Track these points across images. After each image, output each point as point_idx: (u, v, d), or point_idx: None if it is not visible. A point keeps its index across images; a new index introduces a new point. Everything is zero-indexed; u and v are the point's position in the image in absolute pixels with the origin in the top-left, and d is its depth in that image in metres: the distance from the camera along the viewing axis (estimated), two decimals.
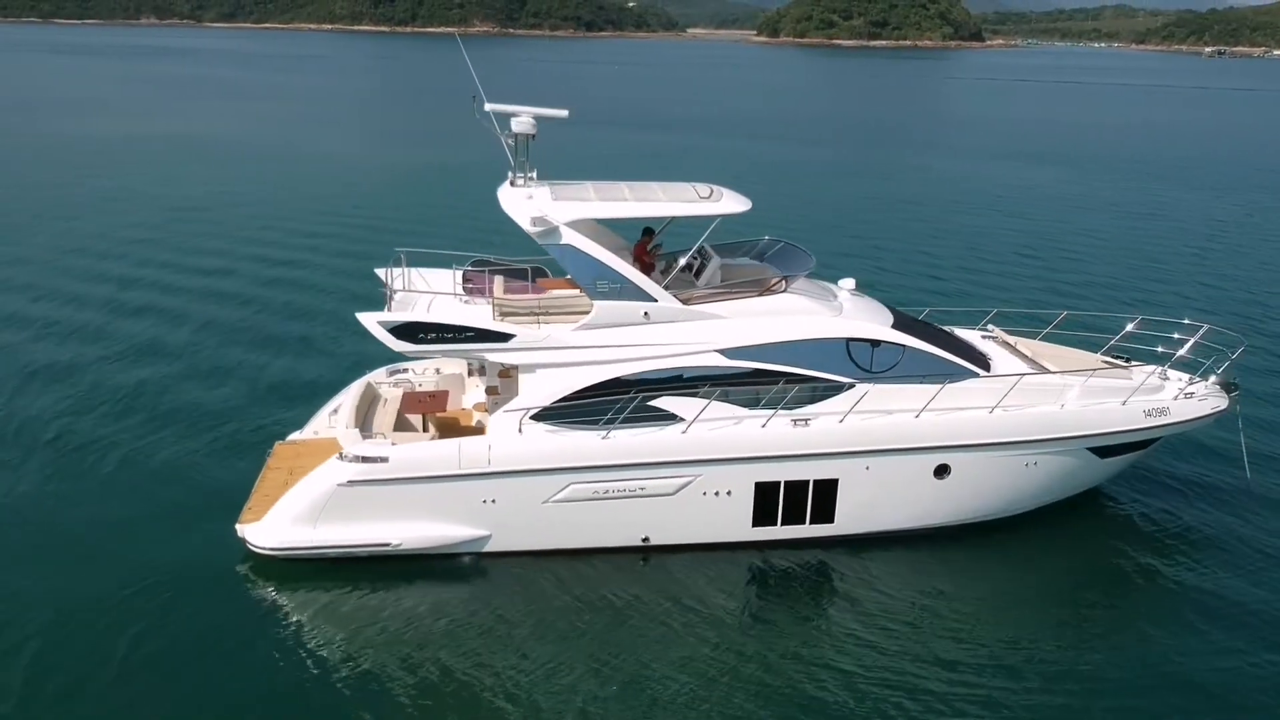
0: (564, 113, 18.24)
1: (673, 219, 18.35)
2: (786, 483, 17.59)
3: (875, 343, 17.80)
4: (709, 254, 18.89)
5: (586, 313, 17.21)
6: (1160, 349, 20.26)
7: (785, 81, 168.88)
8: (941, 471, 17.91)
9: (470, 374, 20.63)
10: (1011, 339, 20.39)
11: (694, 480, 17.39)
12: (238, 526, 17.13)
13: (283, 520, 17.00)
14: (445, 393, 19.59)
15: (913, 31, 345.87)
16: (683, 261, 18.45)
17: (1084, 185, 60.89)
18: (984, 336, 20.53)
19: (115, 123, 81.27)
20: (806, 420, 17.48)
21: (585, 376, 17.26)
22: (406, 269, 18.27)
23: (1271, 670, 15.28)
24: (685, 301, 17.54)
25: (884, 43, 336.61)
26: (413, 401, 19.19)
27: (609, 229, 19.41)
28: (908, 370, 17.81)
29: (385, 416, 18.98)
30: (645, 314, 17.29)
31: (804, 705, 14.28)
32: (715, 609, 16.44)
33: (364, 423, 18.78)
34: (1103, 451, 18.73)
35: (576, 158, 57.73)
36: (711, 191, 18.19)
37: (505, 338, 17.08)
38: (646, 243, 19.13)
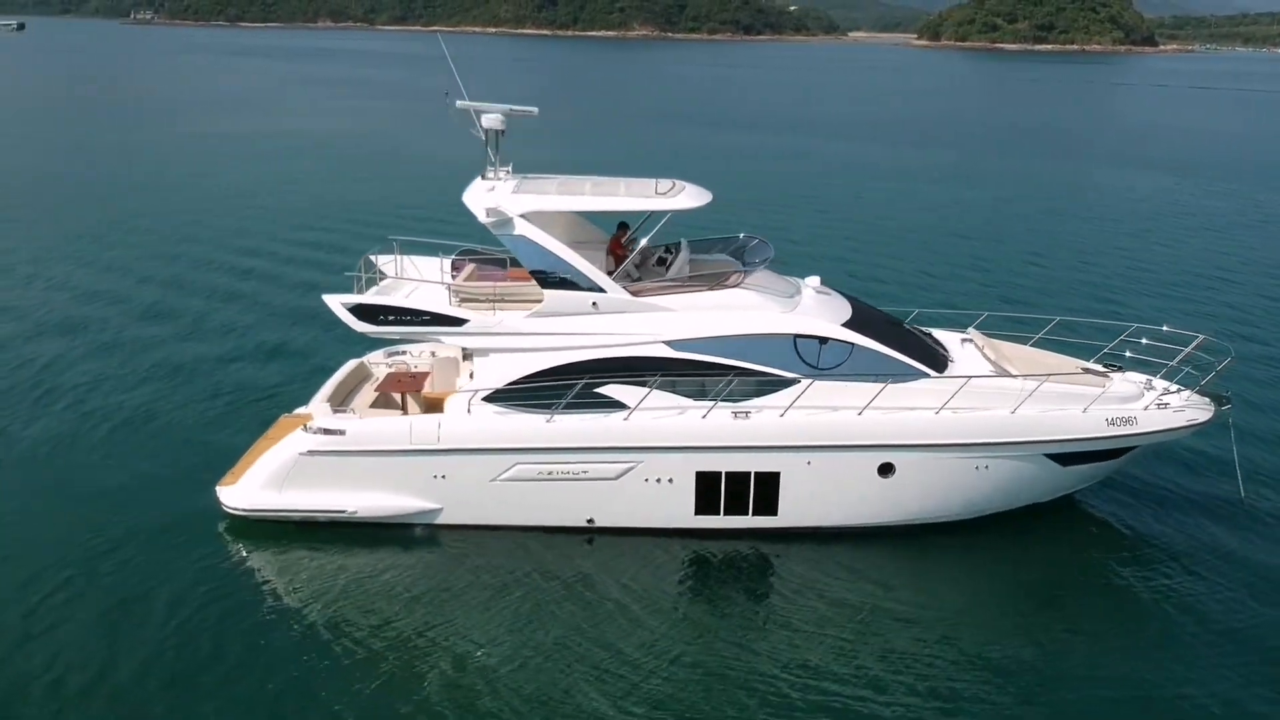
0: (534, 110, 19.14)
1: (635, 213, 18.91)
2: (728, 473, 17.94)
3: (823, 340, 17.97)
4: (680, 248, 19.39)
5: (539, 301, 17.95)
6: (1154, 359, 19.76)
7: (938, 85, 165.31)
8: (886, 470, 17.94)
9: (465, 358, 21.58)
10: (993, 342, 20.14)
11: (636, 466, 17.92)
12: (217, 489, 18.53)
13: (252, 485, 18.32)
14: (425, 374, 20.60)
15: (1080, 35, 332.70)
16: (637, 253, 18.96)
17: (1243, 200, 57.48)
18: (963, 340, 20.35)
19: (268, 120, 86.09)
20: (748, 413, 17.80)
21: (534, 362, 18.01)
22: (399, 256, 19.38)
23: (1230, 687, 14.87)
24: (635, 294, 18.09)
25: (1049, 47, 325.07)
26: (392, 381, 20.28)
27: (588, 223, 20.17)
28: (855, 368, 17.91)
29: (367, 394, 20.15)
30: (594, 304, 17.92)
31: (728, 694, 14.54)
32: (653, 593, 16.89)
33: (346, 399, 19.97)
34: (1064, 459, 18.40)
35: (716, 164, 58.51)
36: (672, 186, 18.69)
37: (460, 322, 17.99)
38: (620, 236, 19.79)
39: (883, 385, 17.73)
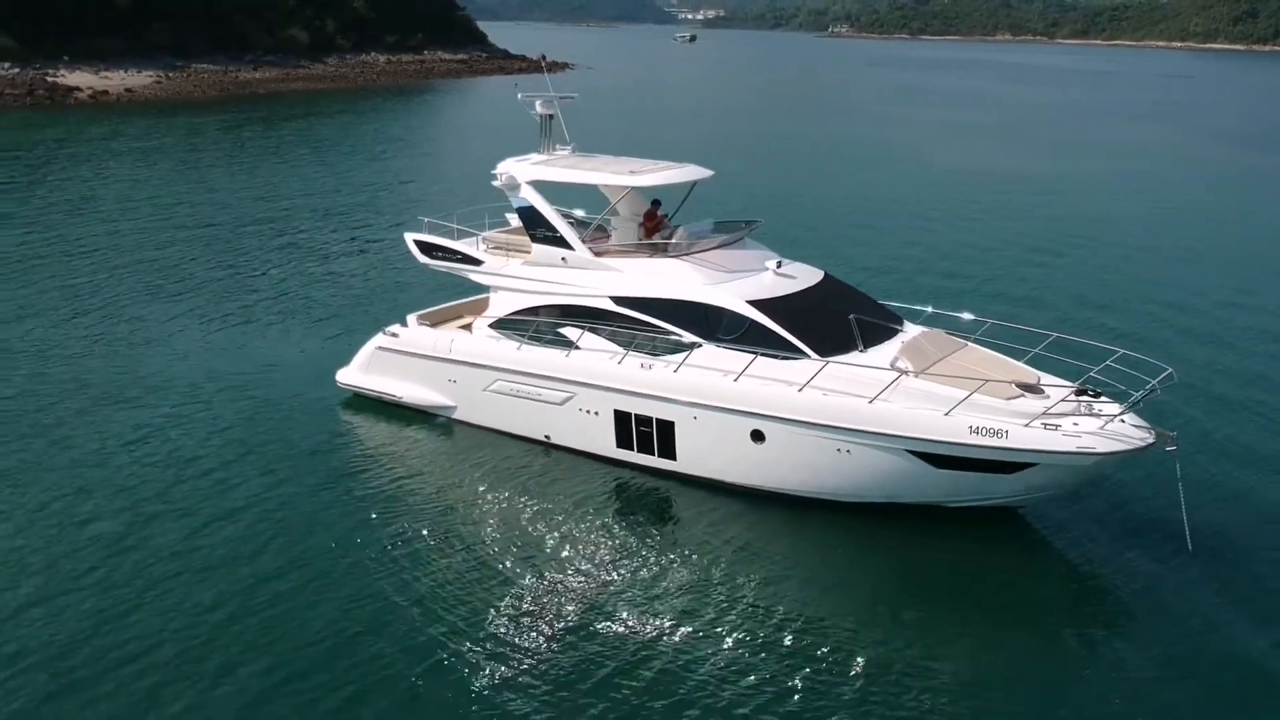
0: (574, 95, 23.31)
1: (611, 187, 22.65)
2: (636, 415, 20.81)
3: (728, 312, 20.07)
4: (674, 226, 22.57)
5: (529, 253, 22.33)
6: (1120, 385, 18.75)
7: None
8: (757, 437, 19.57)
9: None
10: (945, 341, 20.30)
11: (573, 396, 21.51)
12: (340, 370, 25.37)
13: (352, 368, 24.96)
14: None
15: None
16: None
17: None
18: (921, 334, 20.66)
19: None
20: (651, 365, 20.54)
21: (521, 301, 22.43)
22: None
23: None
24: (597, 254, 21.64)
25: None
26: (472, 309, 25.26)
27: (641, 198, 23.60)
28: (749, 341, 19.76)
29: (464, 319, 25.66)
30: (563, 259, 21.84)
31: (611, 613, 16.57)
32: (573, 506, 19.91)
33: (449, 320, 25.51)
34: (934, 460, 18.46)
35: None
36: (655, 167, 22.15)
37: (478, 263, 22.99)
38: (653, 212, 23.25)
39: (753, 357, 19.41)
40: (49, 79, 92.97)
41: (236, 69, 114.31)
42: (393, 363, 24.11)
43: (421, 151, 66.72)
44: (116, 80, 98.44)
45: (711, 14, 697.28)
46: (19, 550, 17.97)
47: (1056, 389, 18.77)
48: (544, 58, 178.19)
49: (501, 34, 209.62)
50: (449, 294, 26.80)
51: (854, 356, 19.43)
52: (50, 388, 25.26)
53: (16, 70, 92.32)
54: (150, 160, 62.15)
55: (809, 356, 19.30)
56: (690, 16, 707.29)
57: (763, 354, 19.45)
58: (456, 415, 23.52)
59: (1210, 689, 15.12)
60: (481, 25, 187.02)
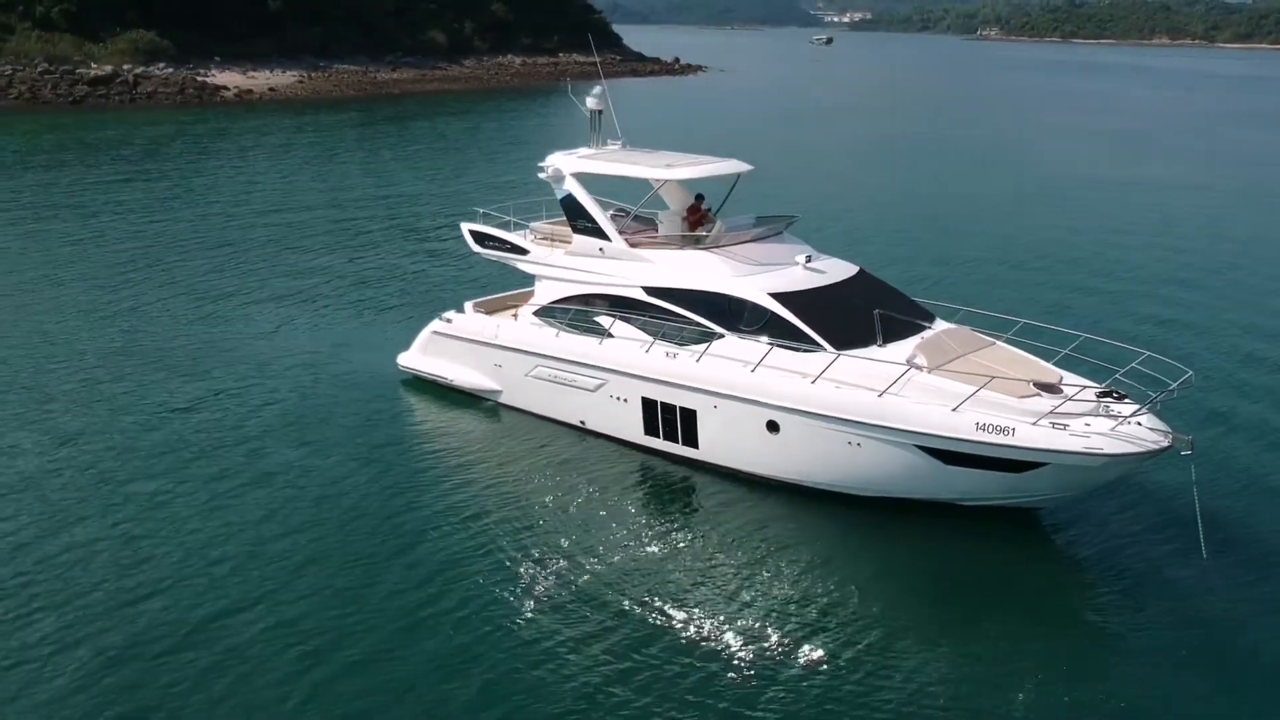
0: (598, 94, 23.94)
1: (635, 179, 23.34)
2: (662, 403, 21.33)
3: (749, 304, 20.44)
4: (714, 219, 23.10)
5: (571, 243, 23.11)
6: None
7: None
8: (773, 427, 19.86)
9: None
10: (968, 339, 20.25)
11: (606, 383, 22.16)
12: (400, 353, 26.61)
13: (412, 351, 26.15)
14: None
15: None
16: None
17: None
18: (945, 330, 20.63)
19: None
20: (676, 354, 21.03)
21: (562, 290, 23.21)
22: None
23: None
24: (632, 245, 22.26)
25: None
26: (524, 299, 26.14)
27: (684, 190, 24.19)
28: (769, 332, 20.09)
29: (515, 307, 26.49)
30: (600, 249, 22.53)
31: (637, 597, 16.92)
32: (598, 492, 20.51)
33: (499, 305, 26.39)
34: (944, 456, 18.46)
35: None
36: (690, 160, 22.86)
37: (525, 252, 23.89)
38: (696, 206, 23.79)
39: (769, 348, 19.73)
40: (199, 78, 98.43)
41: (376, 69, 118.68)
42: (446, 347, 25.18)
43: (532, 149, 68.42)
44: (261, 80, 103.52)
45: (858, 16, 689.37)
46: (65, 506, 19.54)
47: (1074, 388, 18.54)
48: (677, 60, 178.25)
49: (647, 38, 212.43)
50: (515, 283, 27.74)
51: (870, 351, 19.54)
52: (133, 360, 27.30)
53: (171, 70, 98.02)
54: (273, 154, 65.63)
55: (824, 349, 19.50)
56: (836, 19, 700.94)
57: (779, 345, 19.76)
58: (502, 399, 24.42)
59: (1223, 692, 14.84)
60: (628, 29, 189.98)
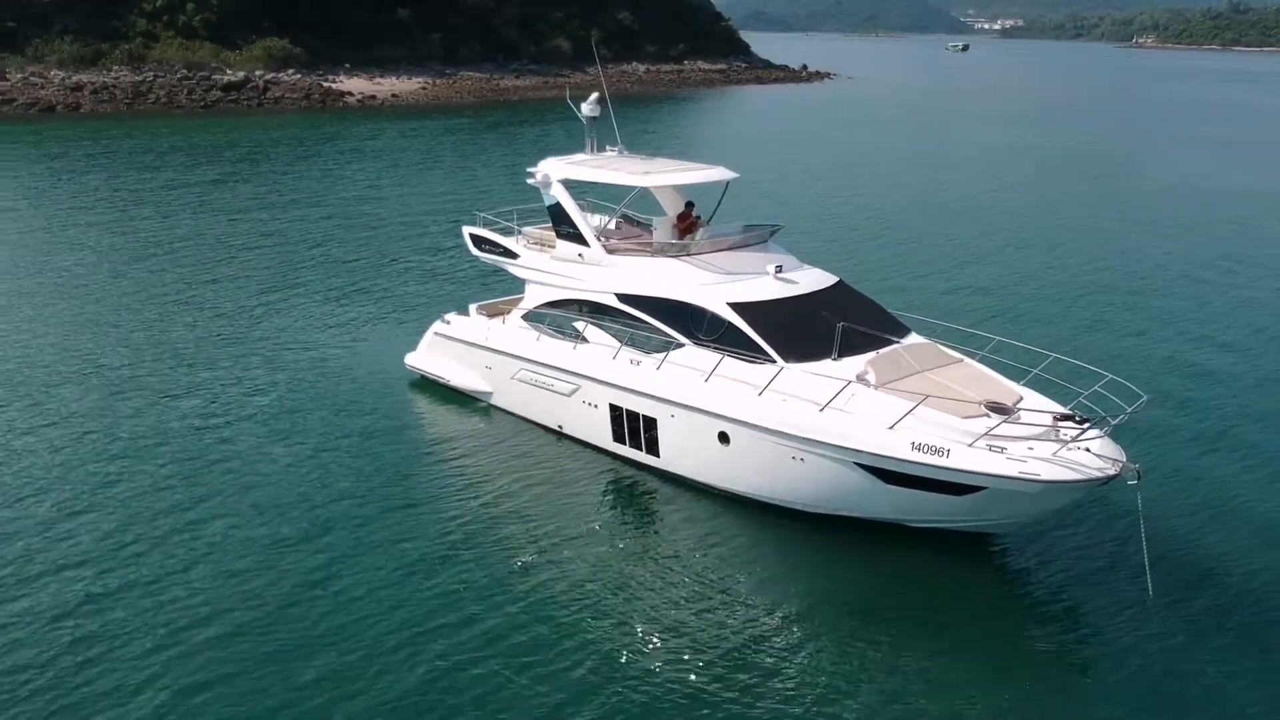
0: (594, 100, 24.08)
1: (616, 186, 23.44)
2: (627, 410, 21.37)
3: (709, 313, 20.31)
4: (701, 224, 23.09)
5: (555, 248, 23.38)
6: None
7: None
8: (724, 439, 19.69)
9: None
10: (931, 353, 19.72)
11: (579, 389, 22.33)
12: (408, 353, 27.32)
13: (417, 351, 26.82)
14: None
15: None
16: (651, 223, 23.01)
17: None
18: (907, 346, 20.08)
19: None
20: (639, 362, 21.05)
21: (546, 294, 23.50)
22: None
23: None
24: (610, 251, 22.37)
25: None
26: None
27: (677, 197, 24.27)
28: (725, 342, 19.95)
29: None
30: (580, 255, 22.72)
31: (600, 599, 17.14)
32: (566, 497, 20.65)
33: (499, 309, 26.77)
34: (883, 475, 18.00)
35: None
36: (666, 165, 22.91)
37: (515, 256, 24.25)
38: (686, 213, 23.81)
39: (720, 358, 19.57)
40: (325, 84, 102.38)
41: (500, 76, 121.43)
42: (445, 348, 25.74)
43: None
44: (386, 86, 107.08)
45: (1009, 23, 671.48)
46: (70, 485, 20.73)
47: (1029, 410, 17.87)
48: (804, 68, 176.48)
49: (785, 45, 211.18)
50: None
51: (822, 365, 19.18)
52: (158, 350, 28.73)
53: (299, 76, 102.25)
54: (368, 158, 67.52)
55: (772, 361, 19.24)
56: (986, 26, 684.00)
57: (730, 355, 19.60)
58: (493, 401, 24.83)
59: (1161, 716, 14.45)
60: (768, 36, 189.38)
